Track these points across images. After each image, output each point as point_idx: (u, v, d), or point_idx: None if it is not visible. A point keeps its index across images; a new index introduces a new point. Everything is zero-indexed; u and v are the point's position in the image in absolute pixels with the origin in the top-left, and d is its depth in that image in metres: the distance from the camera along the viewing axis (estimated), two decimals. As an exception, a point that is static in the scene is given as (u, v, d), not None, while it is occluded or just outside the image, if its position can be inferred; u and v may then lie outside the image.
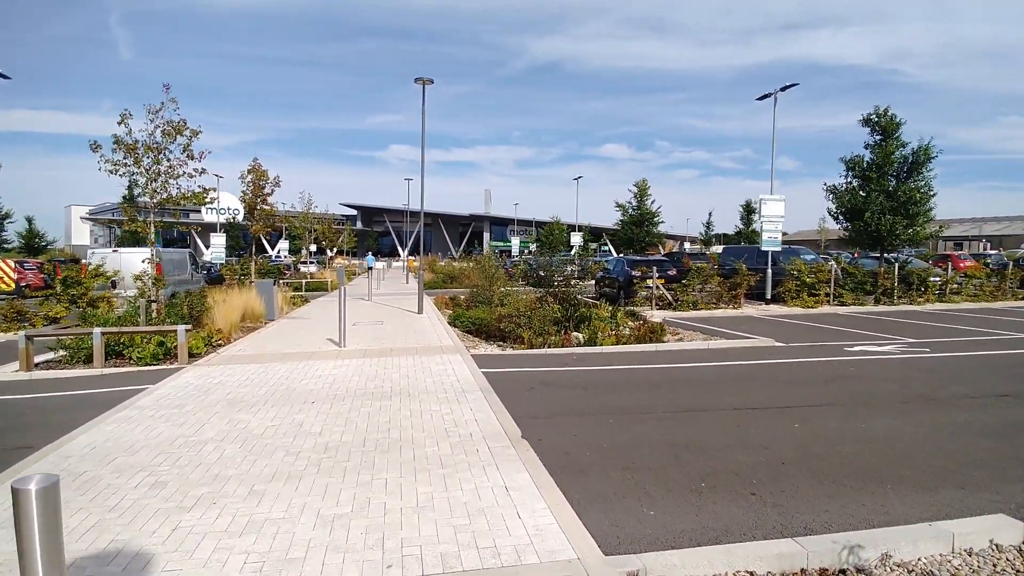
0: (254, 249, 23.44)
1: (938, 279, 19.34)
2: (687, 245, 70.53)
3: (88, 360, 9.38)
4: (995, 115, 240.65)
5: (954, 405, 6.86)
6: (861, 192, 18.85)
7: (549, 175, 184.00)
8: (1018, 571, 3.45)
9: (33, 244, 51.39)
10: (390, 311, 17.37)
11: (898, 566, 3.48)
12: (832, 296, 18.10)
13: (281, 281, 24.40)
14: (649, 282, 17.31)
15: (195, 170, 11.54)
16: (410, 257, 51.68)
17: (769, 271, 18.63)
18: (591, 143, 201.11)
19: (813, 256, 21.11)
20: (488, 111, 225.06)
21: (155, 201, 11.36)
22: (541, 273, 13.99)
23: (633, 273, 18.30)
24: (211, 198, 12.37)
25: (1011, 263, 21.75)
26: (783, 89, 19.71)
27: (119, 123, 10.81)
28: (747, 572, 3.36)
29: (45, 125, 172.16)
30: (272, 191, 20.34)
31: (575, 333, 11.52)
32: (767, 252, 18.98)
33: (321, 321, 14.82)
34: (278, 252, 54.54)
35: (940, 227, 20.10)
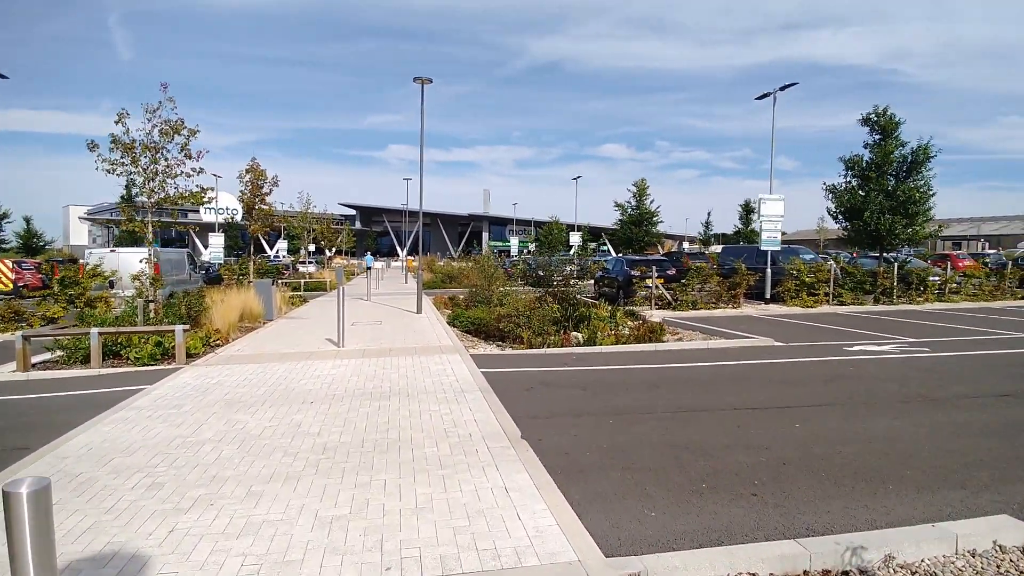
0: (252, 249, 23.36)
1: (937, 278, 19.34)
2: (686, 245, 70.54)
3: (85, 360, 9.33)
4: (995, 115, 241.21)
5: (954, 405, 6.83)
6: (860, 191, 18.86)
7: (548, 175, 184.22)
8: (1022, 572, 3.42)
9: (31, 244, 51.30)
10: (389, 311, 17.33)
11: (901, 568, 3.46)
12: (831, 296, 18.09)
13: (280, 281, 24.36)
14: (648, 282, 17.30)
15: (193, 169, 11.51)
16: (409, 257, 51.67)
17: (768, 271, 18.61)
18: (591, 143, 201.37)
19: (812, 256, 21.10)
20: (488, 111, 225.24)
21: (152, 201, 11.31)
22: (540, 273, 13.96)
23: (632, 273, 18.27)
24: (209, 198, 12.32)
25: (1010, 262, 21.74)
26: (782, 88, 19.69)
27: (116, 122, 10.77)
28: (749, 574, 3.33)
29: (44, 125, 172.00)
30: (270, 191, 20.30)
31: (574, 333, 11.50)
32: (766, 252, 18.96)
33: (320, 321, 14.78)
34: (277, 252, 54.48)
35: (939, 226, 20.11)
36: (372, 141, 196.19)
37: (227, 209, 23.64)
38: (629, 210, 38.25)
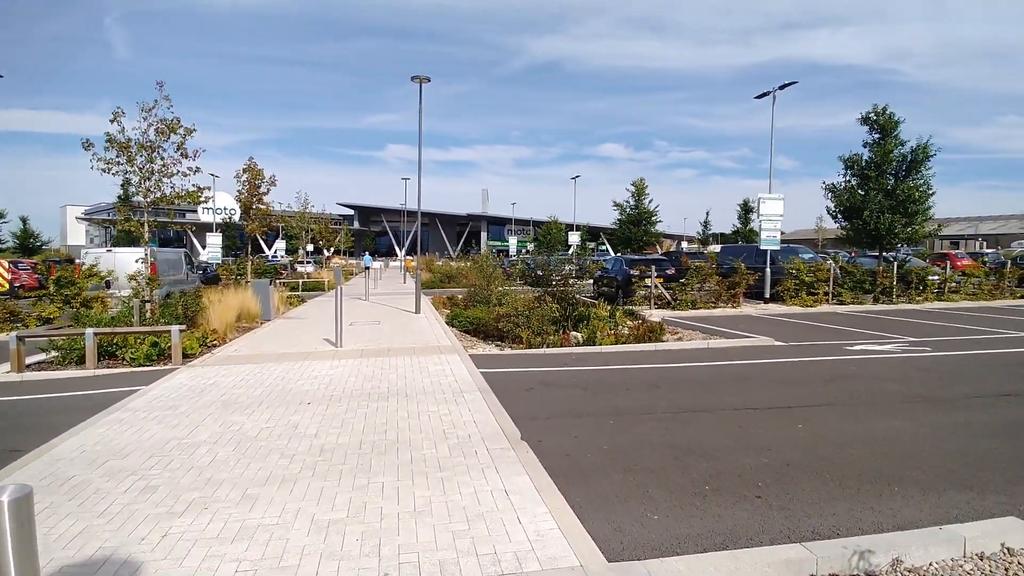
0: (250, 249, 23.29)
1: (937, 278, 19.31)
2: (684, 244, 70.53)
3: (80, 361, 9.24)
4: (993, 115, 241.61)
5: (957, 405, 6.78)
6: (860, 191, 18.82)
7: (547, 175, 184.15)
8: (1032, 576, 3.36)
9: (28, 244, 51.15)
10: (387, 311, 17.26)
11: (909, 572, 3.39)
12: (831, 295, 18.05)
13: (278, 281, 24.28)
14: (647, 281, 17.24)
15: (189, 169, 11.44)
16: (408, 257, 51.58)
17: (768, 270, 18.57)
18: (590, 143, 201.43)
19: (812, 255, 21.06)
20: (487, 111, 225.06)
21: (148, 200, 11.22)
22: (539, 272, 13.90)
23: (631, 272, 18.21)
24: (206, 197, 12.23)
25: (1009, 262, 21.71)
26: (782, 87, 19.65)
27: (111, 121, 10.69)
28: (754, 578, 3.26)
29: (42, 125, 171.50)
30: (268, 190, 20.23)
31: (574, 333, 11.43)
32: (766, 251, 18.92)
33: (318, 321, 14.70)
34: (275, 252, 54.35)
35: (939, 226, 20.08)
36: (371, 141, 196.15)
37: (225, 209, 23.53)
38: (628, 210, 38.23)
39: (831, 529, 3.77)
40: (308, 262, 45.59)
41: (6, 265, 21.96)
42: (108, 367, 9.24)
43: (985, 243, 56.33)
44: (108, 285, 13.70)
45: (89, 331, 9.07)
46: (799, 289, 17.75)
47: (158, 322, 10.81)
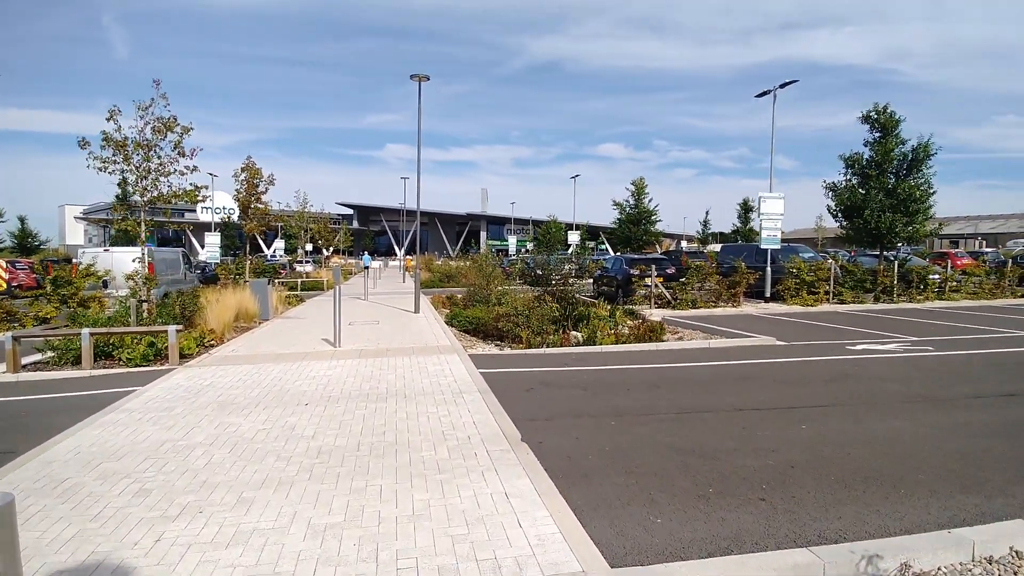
0: (248, 248, 23.19)
1: (937, 277, 19.25)
2: (684, 244, 70.46)
3: (76, 361, 9.16)
4: (992, 115, 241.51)
5: (961, 405, 6.71)
6: (861, 190, 18.74)
7: (547, 174, 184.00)
8: (1043, 581, 3.29)
9: (26, 244, 51.04)
10: (386, 311, 17.18)
11: (918, 577, 3.33)
12: (832, 294, 17.99)
13: (276, 280, 24.18)
14: (648, 281, 17.17)
15: (187, 168, 11.35)
16: (407, 256, 51.50)
17: (768, 269, 18.50)
18: (589, 142, 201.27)
19: (812, 254, 21.00)
20: (486, 110, 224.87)
21: (146, 199, 11.14)
22: (539, 272, 13.83)
23: (631, 272, 18.13)
24: (204, 196, 12.15)
25: (1010, 261, 21.65)
26: (782, 86, 19.57)
27: (108, 119, 10.60)
28: (760, 584, 3.20)
29: (41, 124, 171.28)
30: (266, 189, 20.15)
31: (574, 332, 11.36)
32: (766, 250, 18.85)
33: (316, 321, 14.63)
34: (274, 251, 54.21)
35: (939, 225, 20.02)
36: (370, 140, 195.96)
37: (224, 208, 23.45)
38: (628, 209, 38.14)
39: (837, 533, 3.71)
40: (307, 262, 45.48)
41: (3, 265, 21.88)
42: (104, 367, 9.16)
43: (985, 242, 56.32)
44: (105, 285, 13.62)
45: (85, 331, 8.99)
46: (800, 288, 17.69)
47: (155, 322, 10.74)
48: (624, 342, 10.92)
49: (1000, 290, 19.66)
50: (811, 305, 17.22)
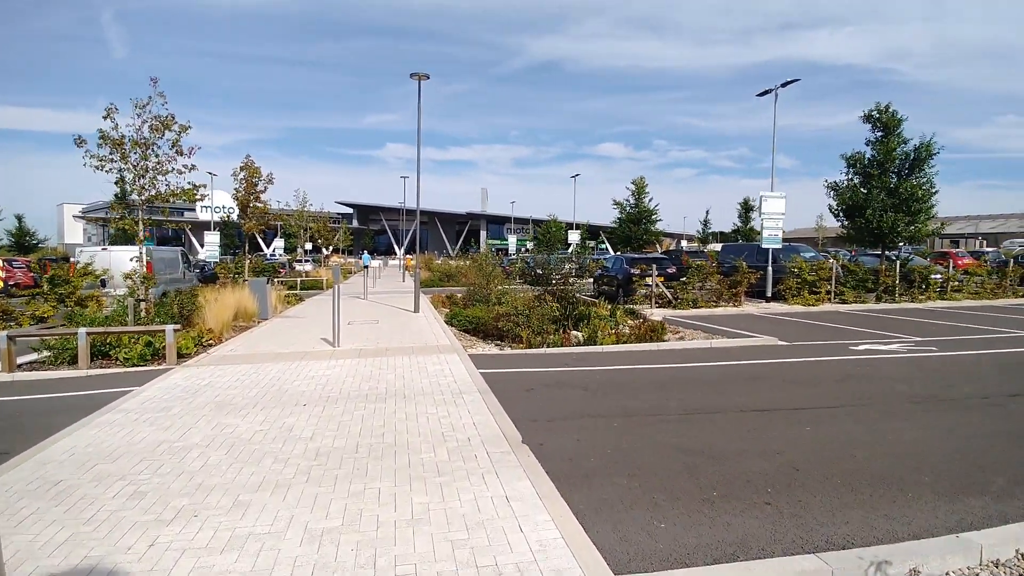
0: (248, 247, 23.11)
1: (939, 276, 19.18)
2: (684, 243, 70.35)
3: (73, 361, 9.09)
4: (992, 114, 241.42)
5: (966, 406, 6.64)
6: (862, 189, 18.64)
7: (546, 174, 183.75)
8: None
9: (24, 242, 50.92)
10: (386, 310, 17.11)
11: (928, 583, 3.26)
12: (833, 294, 17.92)
13: (276, 280, 24.10)
14: (648, 280, 17.09)
15: (184, 166, 11.26)
16: (407, 256, 51.43)
17: (770, 269, 18.43)
18: (588, 142, 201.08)
19: (813, 253, 20.93)
20: (486, 110, 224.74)
21: (143, 198, 11.06)
22: (539, 271, 13.75)
23: (632, 271, 18.06)
24: (202, 195, 12.06)
25: (1011, 260, 21.59)
26: (784, 85, 19.48)
27: (105, 117, 10.52)
28: (767, 591, 3.13)
29: (44, 123, 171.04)
30: (265, 188, 20.06)
31: (574, 332, 11.29)
32: (767, 250, 18.77)
33: (315, 320, 14.55)
34: (273, 250, 54.15)
35: (941, 224, 19.94)
36: (370, 140, 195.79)
37: (223, 207, 23.39)
38: (628, 208, 38.00)
39: (845, 538, 3.64)
40: (306, 261, 45.41)
41: (0, 263, 21.79)
42: (101, 367, 9.08)
43: (985, 242, 56.27)
44: (103, 284, 13.53)
45: (82, 330, 8.92)
46: (801, 288, 17.61)
47: (153, 321, 10.66)
48: (625, 342, 10.84)
49: (1002, 290, 19.60)
50: (812, 305, 17.15)
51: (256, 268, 24.64)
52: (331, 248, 55.84)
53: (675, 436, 5.56)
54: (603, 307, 13.76)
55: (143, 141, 10.84)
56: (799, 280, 17.66)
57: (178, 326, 9.71)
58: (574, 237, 42.93)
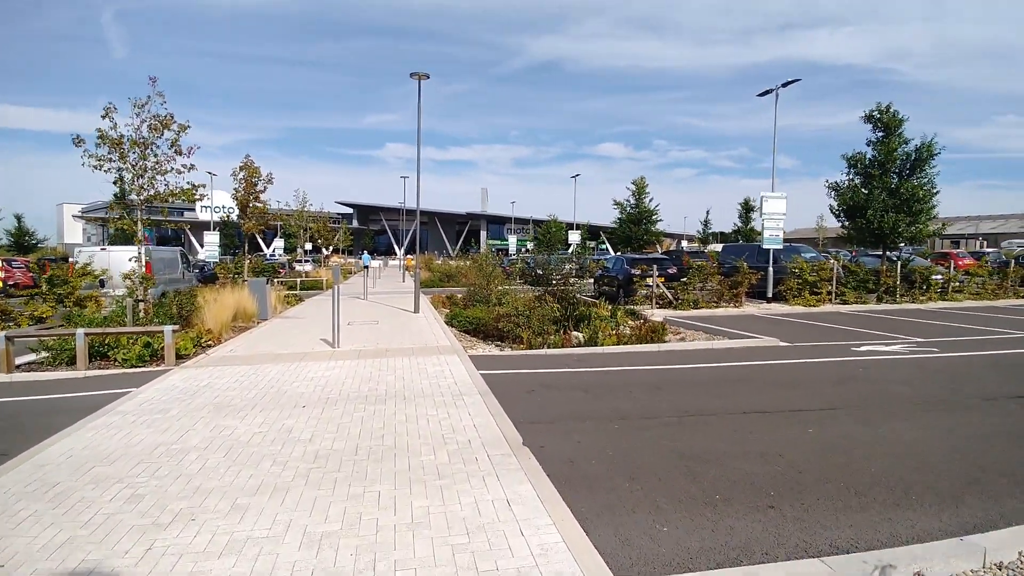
0: (247, 247, 23.07)
1: (940, 277, 19.14)
2: (684, 243, 70.31)
3: (71, 362, 9.05)
4: (992, 114, 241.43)
5: (969, 408, 6.61)
6: (863, 189, 18.59)
7: (546, 174, 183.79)
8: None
9: (23, 242, 50.85)
10: (386, 310, 17.07)
11: (933, 588, 3.22)
12: (834, 294, 17.88)
13: (276, 280, 24.07)
14: (649, 280, 17.05)
15: (183, 166, 11.22)
16: (408, 256, 51.40)
17: (770, 269, 18.39)
18: (588, 142, 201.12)
19: (814, 254, 20.89)
20: (486, 110, 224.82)
21: (142, 198, 11.01)
22: (539, 271, 13.73)
23: (633, 271, 18.02)
24: (201, 195, 12.02)
25: (1012, 261, 21.53)
26: (785, 85, 19.45)
27: (103, 116, 10.47)
28: (771, 596, 3.09)
29: (44, 122, 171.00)
30: (265, 188, 20.02)
31: (575, 333, 11.25)
32: (768, 250, 18.74)
33: (315, 320, 14.52)
34: (273, 250, 54.13)
35: (943, 224, 19.90)
36: (370, 140, 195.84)
37: (223, 207, 23.35)
38: (628, 208, 37.95)
39: (849, 542, 3.60)
40: (306, 261, 45.38)
41: None
42: (100, 368, 9.05)
43: (985, 242, 56.24)
44: (102, 284, 13.49)
45: (80, 331, 8.88)
46: (802, 288, 17.58)
47: (152, 322, 10.62)
48: (626, 343, 10.81)
49: (1003, 291, 19.56)
50: (813, 305, 17.12)
51: (256, 268, 24.59)
52: (331, 248, 55.81)
53: (677, 438, 5.52)
54: (604, 308, 13.73)
55: (142, 141, 10.80)
56: (800, 281, 17.62)
57: (177, 327, 9.67)
58: (574, 237, 42.88)
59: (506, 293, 14.56)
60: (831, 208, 19.62)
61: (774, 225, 18.57)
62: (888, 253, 19.42)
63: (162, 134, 10.94)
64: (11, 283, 20.99)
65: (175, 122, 11.02)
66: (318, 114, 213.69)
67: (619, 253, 34.44)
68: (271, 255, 48.21)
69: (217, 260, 26.52)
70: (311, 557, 3.33)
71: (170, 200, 11.43)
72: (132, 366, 9.01)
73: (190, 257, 20.92)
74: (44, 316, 12.36)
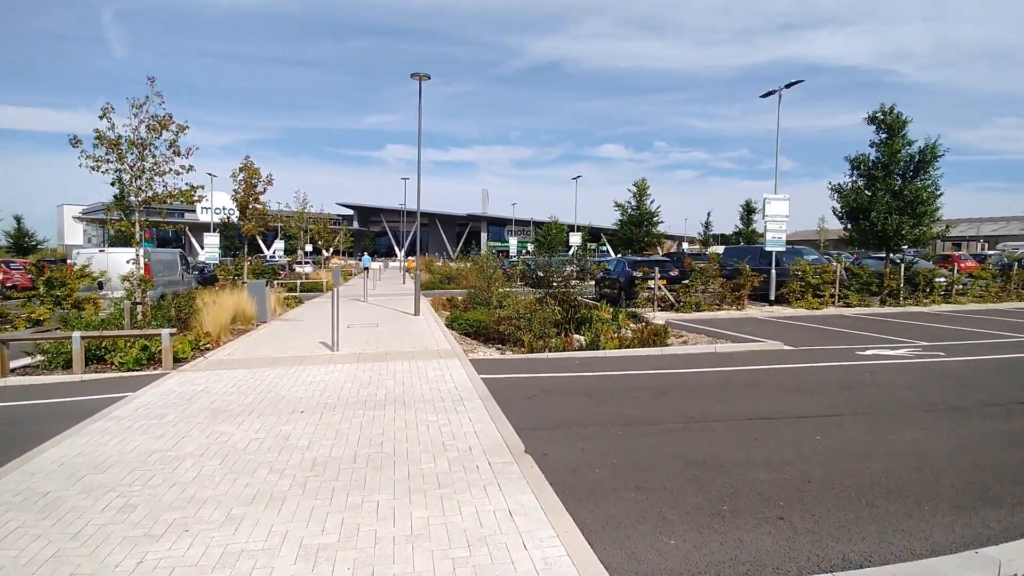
0: (248, 249, 22.96)
1: (944, 280, 19.02)
2: (685, 245, 70.19)
3: (67, 365, 8.94)
4: (992, 116, 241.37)
5: (979, 414, 6.50)
6: (867, 191, 18.48)
7: (547, 175, 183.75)
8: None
9: (22, 243, 50.75)
10: (386, 313, 16.97)
11: (952, 605, 3.11)
12: (837, 297, 17.77)
13: (275, 282, 23.96)
14: (651, 283, 16.94)
15: (182, 167, 11.12)
16: (409, 258, 51.34)
17: (773, 271, 18.28)
18: (589, 143, 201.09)
19: (816, 256, 20.78)
20: (486, 111, 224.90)
21: (140, 199, 10.91)
22: (540, 274, 13.62)
23: (634, 274, 17.91)
24: (199, 196, 11.92)
25: (1015, 264, 21.39)
26: (788, 86, 19.36)
27: (101, 117, 10.37)
28: (784, 614, 2.98)
29: (44, 123, 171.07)
30: (264, 190, 19.91)
31: (576, 336, 11.14)
32: (770, 252, 18.62)
33: (315, 323, 14.41)
34: (273, 252, 54.05)
35: (947, 227, 19.79)
36: (370, 141, 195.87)
37: (223, 209, 23.25)
38: (629, 210, 37.82)
39: (862, 555, 3.49)
40: (307, 262, 45.28)
41: (-1, 265, 21.64)
42: (96, 372, 8.94)
43: (987, 244, 56.11)
44: (101, 286, 13.39)
45: (76, 334, 8.77)
46: (805, 291, 17.46)
47: (150, 324, 10.51)
48: (628, 346, 10.69)
49: (1006, 293, 19.45)
50: (816, 308, 17.00)
51: (256, 270, 24.49)
52: (331, 250, 55.72)
53: (682, 445, 5.41)
54: (605, 310, 13.61)
55: (140, 141, 10.71)
56: (803, 283, 17.51)
57: (174, 330, 9.57)
58: (575, 239, 42.79)
59: (507, 295, 14.45)
60: (834, 210, 19.51)
61: (777, 227, 18.46)
62: (891, 255, 19.31)
63: (160, 135, 10.85)
64: (9, 285, 20.89)
65: (173, 122, 10.93)
66: (318, 114, 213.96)
67: (620, 255, 34.34)
68: (271, 257, 48.12)
69: (217, 262, 26.42)
70: (307, 571, 3.22)
71: (168, 202, 11.32)
72: (129, 370, 8.91)
73: (190, 259, 20.83)
74: (41, 318, 12.25)
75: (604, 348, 10.46)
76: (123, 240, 15.25)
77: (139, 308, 11.13)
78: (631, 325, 12.24)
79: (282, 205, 40.50)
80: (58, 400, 7.43)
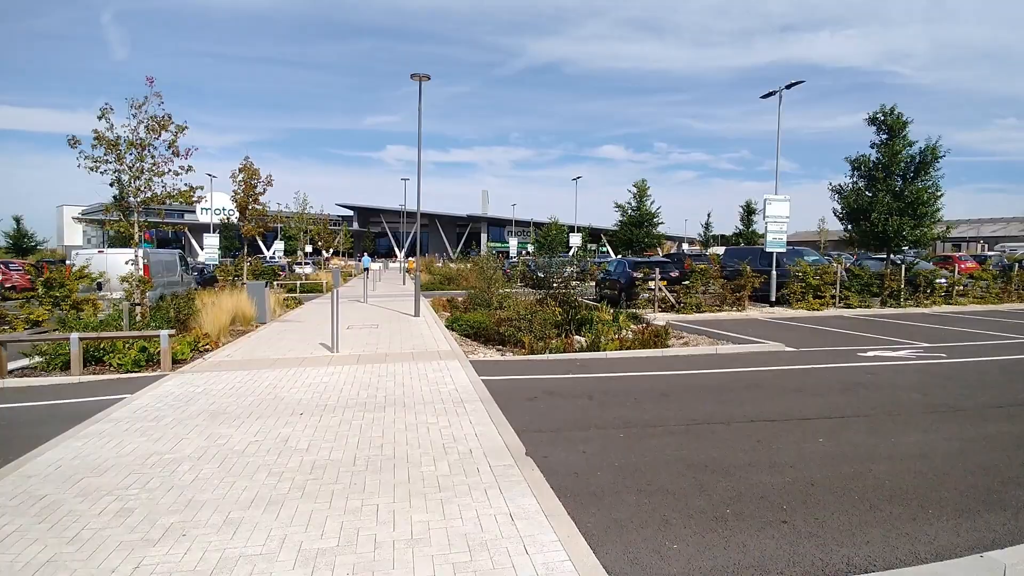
0: (248, 250, 22.90)
1: (944, 281, 18.99)
2: (685, 246, 70.19)
3: (65, 367, 8.89)
4: (992, 117, 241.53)
5: (982, 416, 6.46)
6: (867, 192, 18.46)
7: (547, 176, 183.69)
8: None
9: (22, 244, 50.69)
10: (386, 314, 16.92)
11: (959, 611, 3.07)
12: (838, 298, 17.73)
13: (275, 282, 23.91)
14: (651, 284, 16.90)
15: (181, 168, 11.07)
16: (410, 258, 51.31)
17: (773, 273, 18.24)
18: (589, 144, 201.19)
19: (817, 257, 20.74)
20: (486, 112, 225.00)
21: (139, 200, 10.87)
22: (540, 274, 13.58)
23: (635, 275, 17.87)
24: (199, 197, 11.88)
25: (1016, 265, 21.37)
26: (788, 87, 19.32)
27: (99, 117, 10.32)
28: (789, 620, 2.94)
29: (43, 124, 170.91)
30: (264, 190, 19.81)
31: (577, 337, 11.10)
32: (770, 253, 18.58)
33: (314, 324, 14.37)
34: (273, 253, 53.99)
35: (947, 228, 19.77)
36: (370, 142, 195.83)
37: (223, 210, 23.18)
38: (629, 211, 37.76)
39: (866, 559, 3.45)
40: (306, 263, 45.21)
41: (-3, 266, 21.59)
42: (95, 373, 8.90)
43: (987, 245, 56.09)
44: (100, 287, 13.34)
45: (74, 336, 8.73)
46: (806, 292, 17.43)
47: (148, 326, 10.47)
48: (628, 347, 10.65)
49: (1007, 295, 19.42)
50: (817, 309, 16.97)
51: (256, 271, 24.42)
52: (331, 251, 55.66)
53: (684, 448, 5.37)
54: (606, 311, 13.57)
55: (139, 142, 10.66)
56: (804, 284, 17.48)
57: (173, 331, 9.53)
58: (575, 240, 42.76)
59: (507, 296, 14.41)
60: (834, 211, 19.48)
61: (777, 228, 18.42)
62: (892, 257, 19.28)
63: (159, 135, 10.80)
64: (8, 286, 20.83)
65: (173, 123, 10.89)
66: (318, 115, 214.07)
67: (620, 256, 34.31)
68: (271, 257, 48.04)
69: (217, 262, 26.35)
70: (306, 577, 3.18)
71: (168, 202, 11.27)
72: (127, 371, 8.86)
73: (189, 259, 20.77)
74: (40, 319, 12.20)
75: (605, 349, 10.42)
76: (122, 241, 15.21)
77: (138, 309, 11.09)
78: (632, 326, 12.19)
79: (282, 206, 40.47)
80: (56, 402, 7.39)
